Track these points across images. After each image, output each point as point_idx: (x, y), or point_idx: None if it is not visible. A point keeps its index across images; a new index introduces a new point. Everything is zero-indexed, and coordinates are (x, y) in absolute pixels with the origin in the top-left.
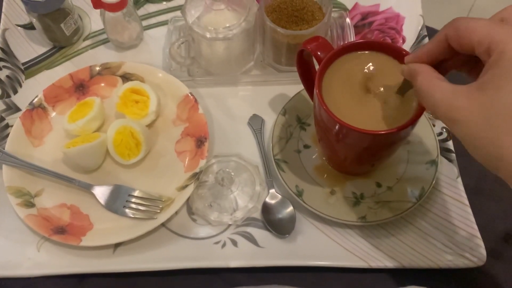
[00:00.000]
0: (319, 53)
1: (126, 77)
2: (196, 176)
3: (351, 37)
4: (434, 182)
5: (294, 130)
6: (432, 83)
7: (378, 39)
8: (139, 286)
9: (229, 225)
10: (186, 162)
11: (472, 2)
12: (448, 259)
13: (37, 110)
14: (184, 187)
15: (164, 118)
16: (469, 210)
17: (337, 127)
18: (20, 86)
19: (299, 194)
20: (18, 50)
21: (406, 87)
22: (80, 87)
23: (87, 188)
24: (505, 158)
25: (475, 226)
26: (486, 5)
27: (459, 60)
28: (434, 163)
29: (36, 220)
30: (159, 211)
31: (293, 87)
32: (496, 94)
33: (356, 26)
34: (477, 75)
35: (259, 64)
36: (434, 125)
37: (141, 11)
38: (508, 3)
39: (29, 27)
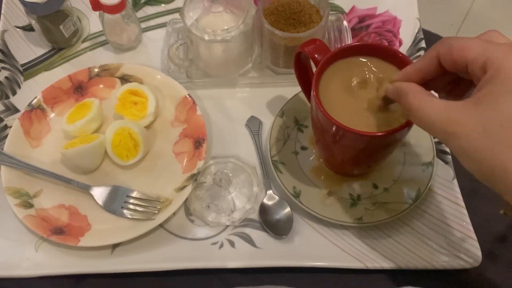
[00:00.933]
0: (316, 55)
1: (124, 79)
2: (194, 177)
3: (348, 40)
4: (430, 183)
5: (291, 131)
6: (424, 100)
7: (375, 42)
8: (137, 286)
9: (227, 226)
10: (184, 163)
11: (468, 6)
12: (443, 260)
13: (35, 111)
14: (182, 188)
15: (162, 120)
16: (465, 211)
17: (334, 128)
18: (19, 87)
19: (296, 195)
20: (17, 51)
21: (386, 103)
22: (79, 88)
23: (85, 189)
24: (504, 171)
25: (471, 227)
26: (483, 9)
27: (443, 81)
28: (430, 164)
29: (35, 220)
30: (157, 212)
31: (291, 89)
32: (494, 107)
33: (353, 29)
34: (457, 96)
35: (257, 66)
36: None
37: (140, 13)
38: (504, 7)
39: (28, 28)
